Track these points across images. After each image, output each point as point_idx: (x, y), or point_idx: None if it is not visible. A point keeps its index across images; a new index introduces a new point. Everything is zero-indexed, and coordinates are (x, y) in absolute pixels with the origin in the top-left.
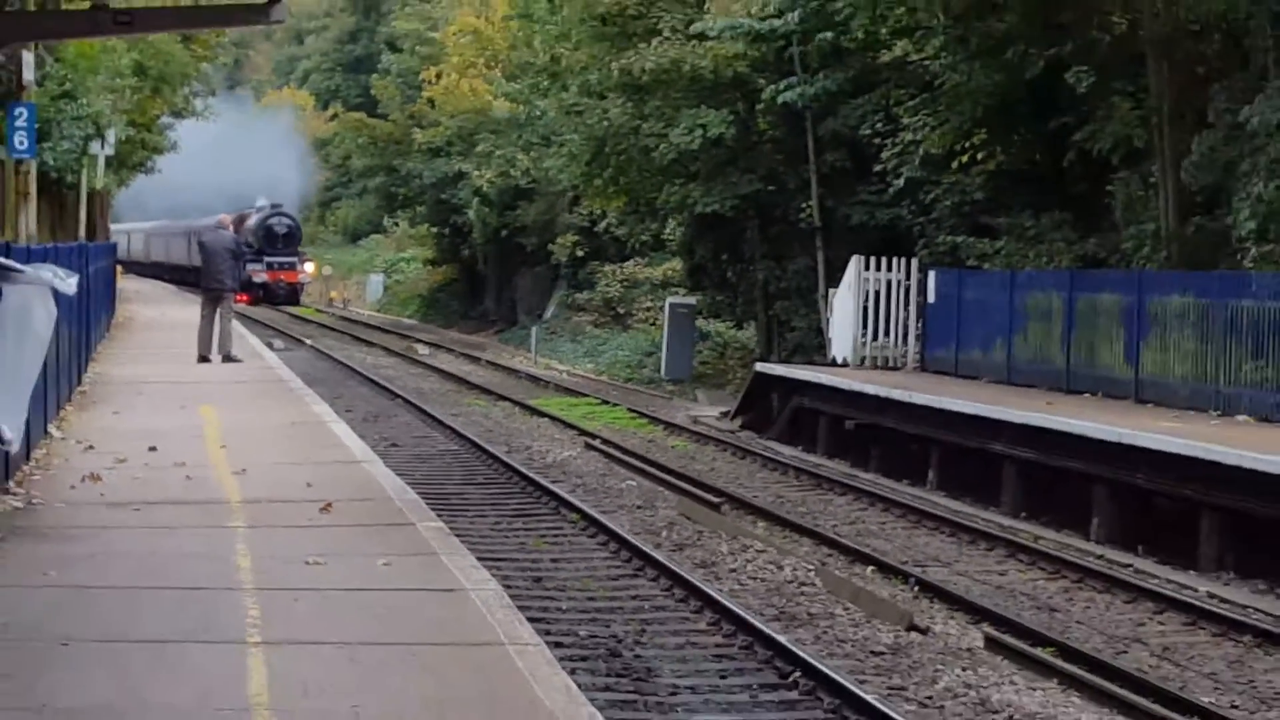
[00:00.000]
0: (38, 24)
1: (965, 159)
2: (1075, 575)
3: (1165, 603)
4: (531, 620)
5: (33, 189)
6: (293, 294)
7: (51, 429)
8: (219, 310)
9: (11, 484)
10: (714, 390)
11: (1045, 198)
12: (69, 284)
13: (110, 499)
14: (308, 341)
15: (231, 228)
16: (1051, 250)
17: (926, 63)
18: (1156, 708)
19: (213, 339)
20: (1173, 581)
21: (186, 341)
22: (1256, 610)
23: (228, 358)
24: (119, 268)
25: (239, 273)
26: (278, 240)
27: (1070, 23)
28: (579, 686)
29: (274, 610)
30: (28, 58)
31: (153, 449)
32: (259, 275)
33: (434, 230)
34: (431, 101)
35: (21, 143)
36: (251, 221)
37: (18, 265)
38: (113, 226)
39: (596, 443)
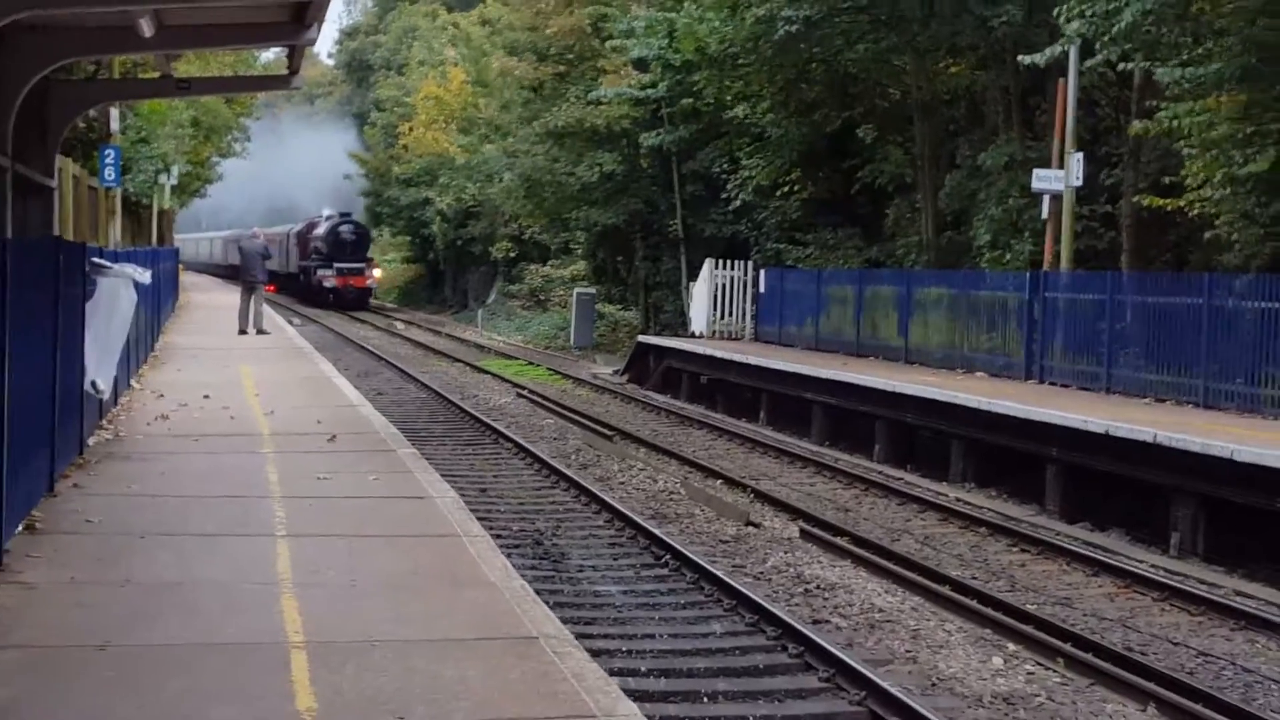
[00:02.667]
0: (121, 89)
1: (785, 189)
2: (863, 485)
3: (926, 505)
4: (479, 518)
5: (118, 209)
6: (362, 298)
7: (133, 382)
8: (253, 296)
9: (104, 422)
10: (608, 355)
11: (841, 217)
12: (144, 276)
13: (175, 432)
14: (317, 320)
15: (262, 237)
16: (846, 255)
17: (758, 120)
18: (919, 578)
19: (249, 317)
20: (931, 490)
21: (230, 320)
22: (989, 509)
23: (260, 331)
24: (181, 267)
25: (266, 270)
26: (346, 247)
27: (859, 92)
28: (513, 565)
29: (294, 512)
30: (114, 113)
31: (206, 396)
32: (328, 280)
33: (408, 239)
34: (405, 147)
35: (110, 175)
36: (320, 230)
37: (108, 263)
38: (177, 236)
39: (525, 392)
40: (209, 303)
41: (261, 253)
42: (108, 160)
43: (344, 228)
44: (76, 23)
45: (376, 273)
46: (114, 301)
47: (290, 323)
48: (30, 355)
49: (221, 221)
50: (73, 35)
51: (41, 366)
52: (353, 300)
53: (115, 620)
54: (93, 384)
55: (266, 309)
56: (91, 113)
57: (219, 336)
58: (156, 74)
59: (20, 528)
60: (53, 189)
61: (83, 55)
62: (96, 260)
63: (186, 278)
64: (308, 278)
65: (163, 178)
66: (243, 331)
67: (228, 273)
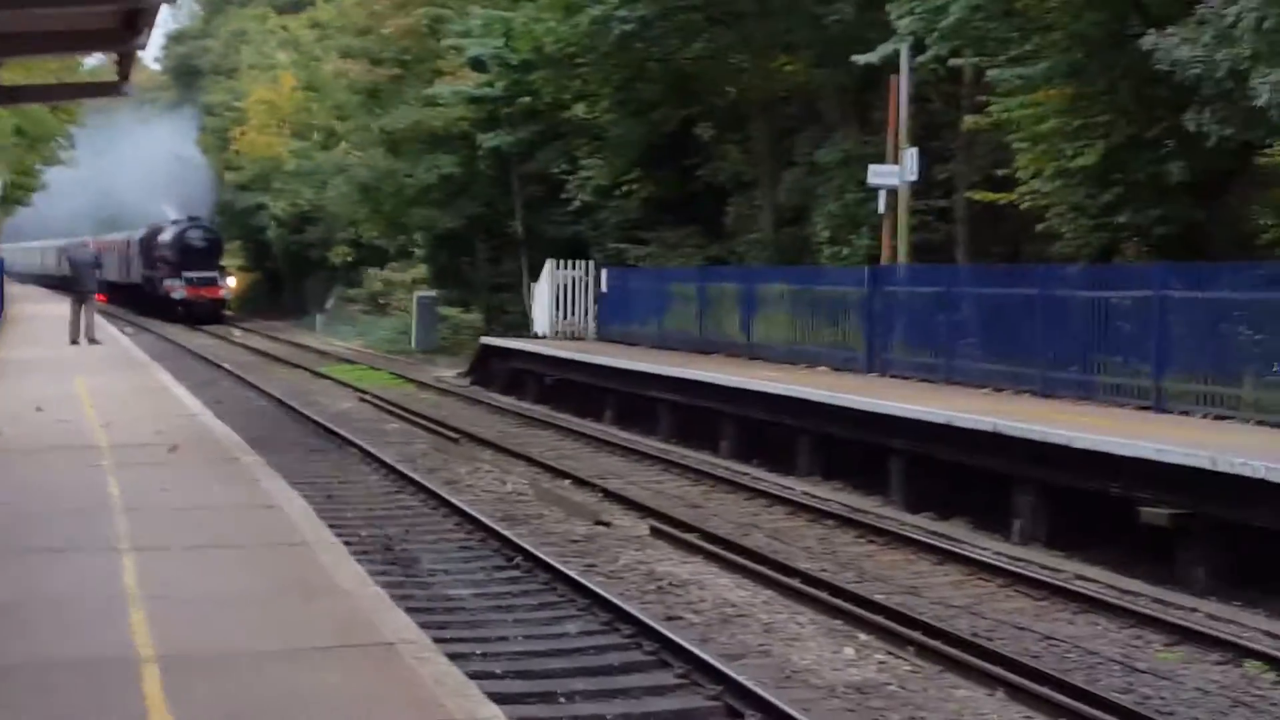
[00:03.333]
0: None
1: (625, 189)
2: (711, 482)
3: (774, 499)
4: (329, 526)
5: None
6: (215, 310)
7: None
8: (84, 306)
9: None
10: (452, 357)
11: (681, 215)
12: None
13: (8, 447)
14: (150, 330)
15: (93, 245)
16: (687, 253)
17: (596, 119)
18: (770, 572)
19: (81, 327)
20: (779, 484)
21: (61, 330)
22: (836, 502)
23: (93, 341)
24: (4, 276)
25: (96, 279)
26: (196, 255)
27: (697, 91)
28: (366, 572)
29: (138, 525)
30: None
31: (39, 409)
32: (177, 291)
33: (244, 245)
34: (238, 152)
35: None
36: (166, 236)
37: None
38: (2, 246)
39: (368, 397)
40: (39, 314)
41: (92, 262)
42: None
43: (193, 233)
44: None
45: (230, 282)
46: None
47: (124, 332)
48: None
49: (51, 230)
50: None
51: None
52: (205, 313)
53: None
54: None
55: (99, 318)
56: None
57: (50, 348)
58: None
59: None
60: None
61: None
62: None
63: (14, 289)
64: (154, 288)
65: None
66: (74, 342)
67: (58, 283)
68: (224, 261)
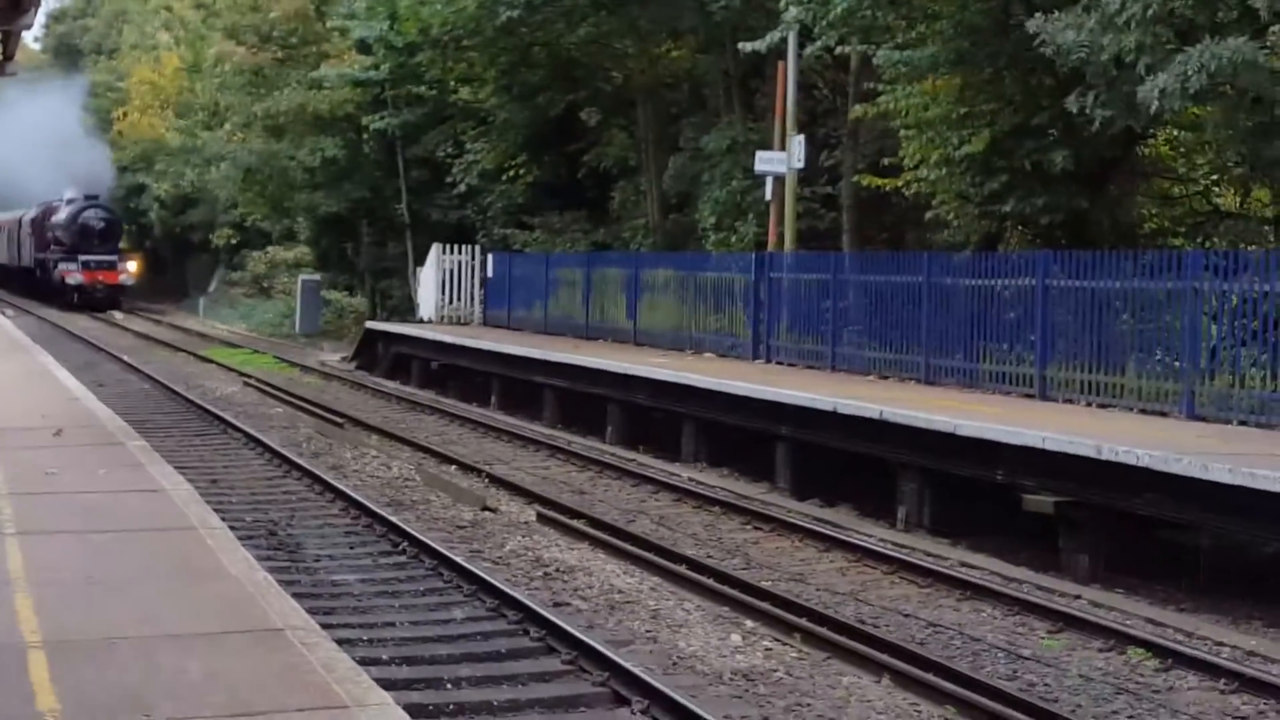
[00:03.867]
0: None
1: (511, 174)
2: (597, 468)
3: (660, 485)
4: (215, 511)
5: None
6: (113, 297)
7: None
8: None
9: None
10: (336, 342)
11: (567, 201)
12: None
13: None
14: (32, 312)
15: None
16: (573, 239)
17: (482, 103)
18: (656, 558)
19: None
20: (664, 470)
21: None
22: (722, 488)
23: None
24: None
25: None
26: (94, 236)
27: (582, 76)
28: (253, 558)
29: (23, 509)
30: None
31: None
32: (73, 276)
33: (125, 227)
34: (120, 133)
35: None
36: (60, 215)
37: None
38: None
39: (252, 381)
40: None
41: None
42: None
43: (90, 213)
44: None
45: (131, 266)
46: None
47: (3, 314)
48: None
49: None
50: None
51: None
52: (103, 299)
53: None
54: None
55: None
56: None
57: None
58: None
59: None
60: None
61: None
62: None
63: None
64: (46, 273)
65: None
66: None
67: None
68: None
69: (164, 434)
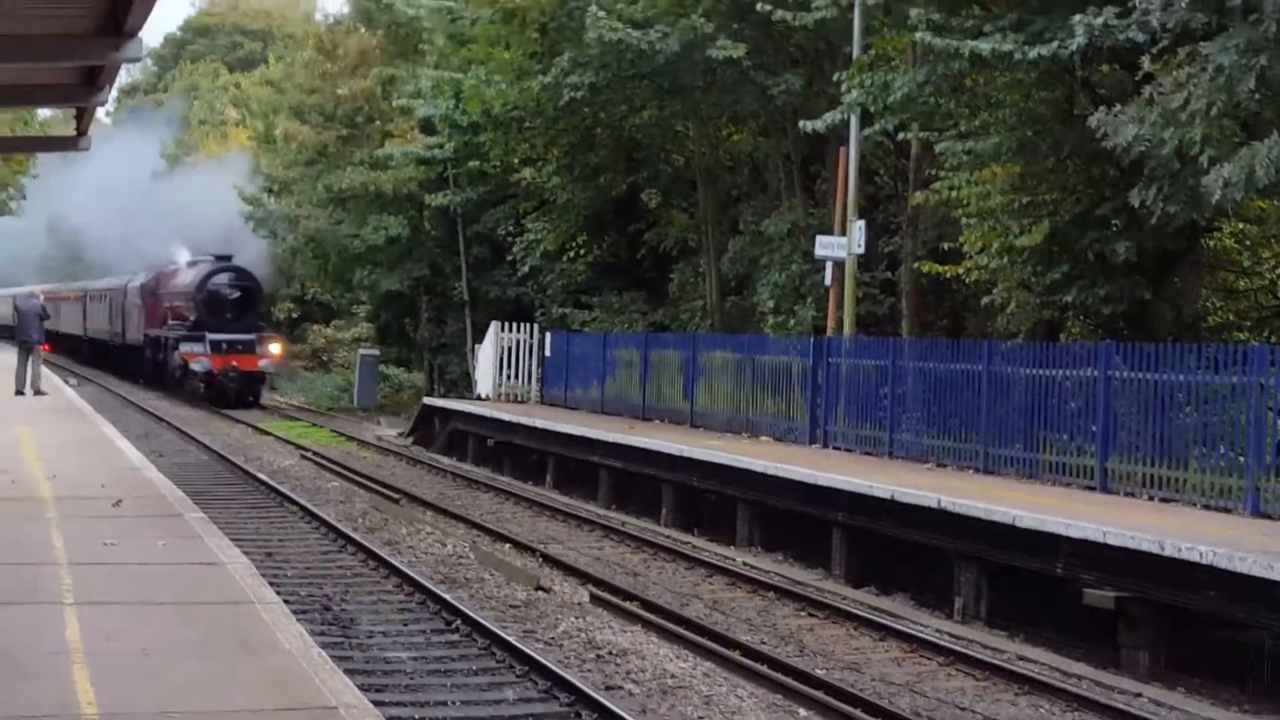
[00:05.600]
0: None
1: (571, 253)
2: (651, 550)
3: (714, 569)
4: (270, 584)
5: None
6: (251, 388)
7: None
8: (30, 357)
9: None
10: (393, 417)
11: (626, 281)
12: None
13: None
14: (95, 380)
15: (41, 297)
16: (631, 319)
17: (544, 184)
18: (710, 643)
19: (27, 378)
20: (719, 554)
21: (6, 381)
22: (777, 574)
23: (38, 391)
24: None
25: (43, 329)
26: (227, 308)
27: (644, 158)
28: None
29: (82, 579)
30: None
31: None
32: (199, 361)
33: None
34: None
35: None
36: (183, 281)
37: None
38: None
39: (309, 454)
40: None
41: (39, 313)
42: None
43: (221, 278)
44: None
45: (275, 349)
46: None
47: (67, 382)
48: None
49: (21, 276)
50: None
51: None
52: (237, 392)
53: None
54: None
55: (44, 368)
56: None
57: None
58: None
59: None
60: None
61: None
62: None
63: None
64: (160, 353)
65: None
66: (19, 393)
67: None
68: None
69: (221, 505)
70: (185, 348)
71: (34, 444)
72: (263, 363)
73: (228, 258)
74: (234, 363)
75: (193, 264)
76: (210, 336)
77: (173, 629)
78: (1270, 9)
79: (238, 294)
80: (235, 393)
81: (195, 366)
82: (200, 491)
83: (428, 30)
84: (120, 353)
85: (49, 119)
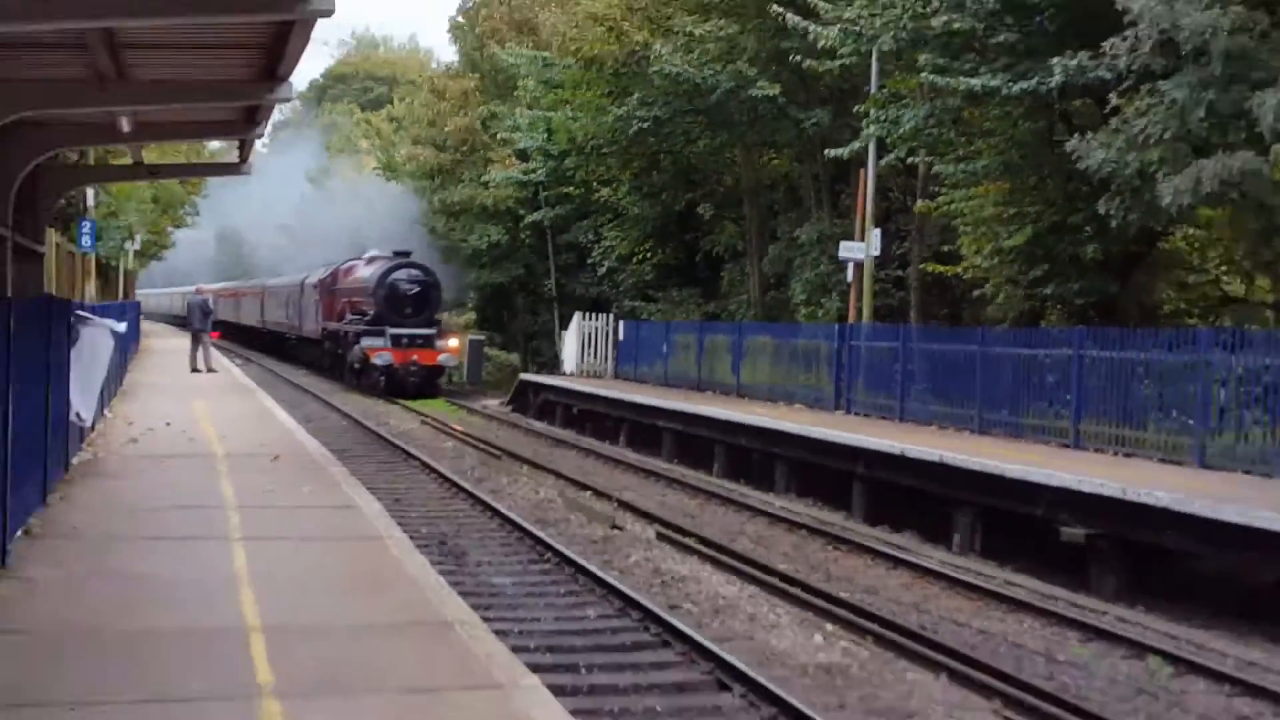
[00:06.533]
0: (100, 173)
1: (639, 257)
2: (705, 496)
3: (757, 512)
4: (398, 524)
5: (92, 270)
6: (430, 381)
7: (107, 412)
8: (201, 341)
9: (85, 445)
10: (495, 390)
11: (684, 279)
12: (121, 327)
13: (144, 453)
14: (255, 361)
15: (209, 294)
16: (689, 310)
17: (618, 200)
18: (754, 571)
19: (199, 359)
20: (761, 499)
21: (183, 361)
22: (808, 515)
23: (209, 369)
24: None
25: (207, 320)
26: (405, 304)
27: (699, 179)
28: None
29: (247, 520)
30: (89, 192)
31: (168, 424)
32: (380, 355)
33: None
34: None
35: (86, 243)
36: (362, 276)
37: (90, 315)
38: (138, 291)
39: (428, 420)
40: (165, 348)
41: (202, 307)
42: (84, 231)
43: (401, 274)
44: (68, 119)
45: (453, 343)
46: (94, 347)
47: (234, 363)
48: (30, 393)
49: (177, 279)
50: (65, 130)
51: (38, 402)
52: (417, 386)
53: (103, 610)
54: (77, 414)
55: (215, 351)
56: (71, 191)
57: (175, 375)
58: (128, 160)
59: (20, 533)
60: (42, 254)
61: (72, 145)
62: (80, 313)
63: (144, 325)
64: (340, 347)
65: (128, 245)
66: (194, 370)
67: (181, 322)
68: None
69: (357, 461)
70: (367, 342)
71: (207, 412)
72: (442, 357)
73: (407, 254)
74: (414, 357)
75: (371, 260)
76: (390, 331)
77: (319, 559)
78: (1216, 53)
79: (417, 289)
80: (415, 386)
81: (377, 360)
82: (340, 450)
83: (522, 76)
84: (296, 344)
85: (217, 149)
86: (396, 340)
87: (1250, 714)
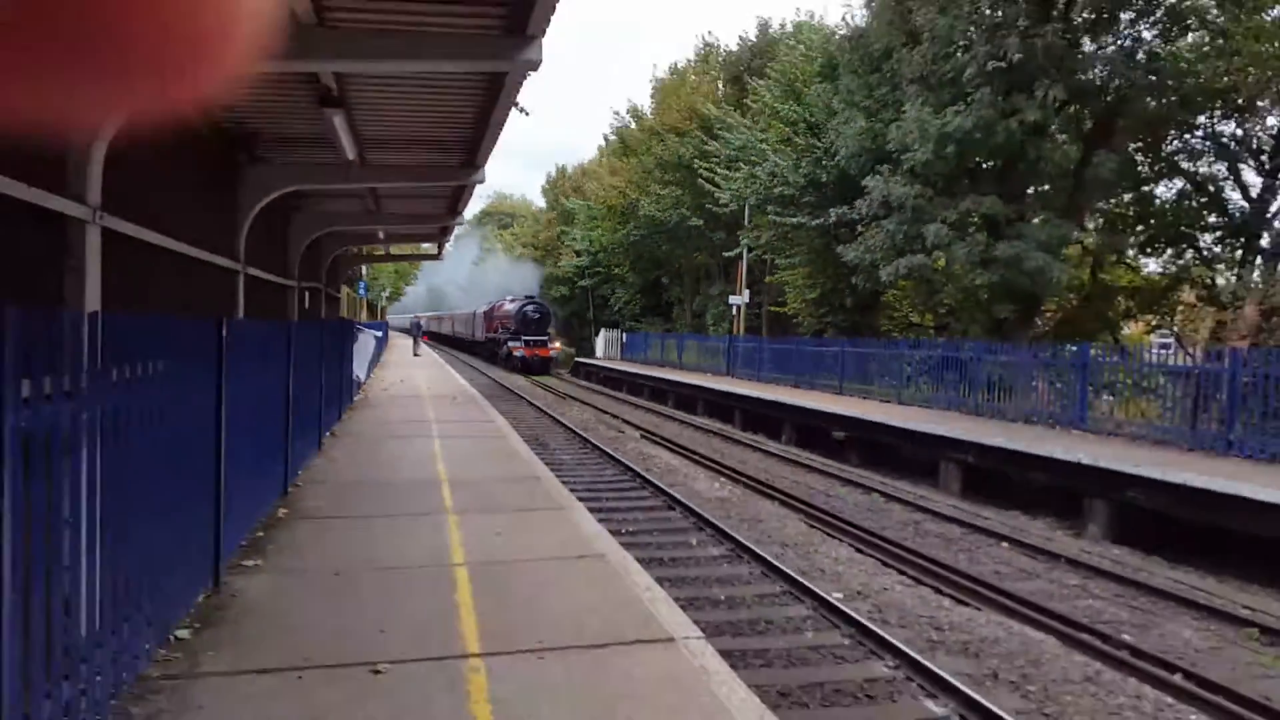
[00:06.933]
0: (366, 258)
1: (633, 303)
2: (663, 418)
3: (690, 425)
4: (513, 429)
5: (364, 306)
6: (544, 366)
7: (371, 378)
8: (415, 340)
9: (359, 392)
10: (561, 368)
11: (655, 313)
12: (378, 334)
13: (389, 396)
14: (449, 353)
15: (421, 318)
16: (657, 328)
17: (625, 275)
18: (687, 452)
19: (414, 350)
20: (691, 419)
21: (407, 353)
22: (715, 427)
23: (417, 355)
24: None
25: (419, 329)
26: (531, 324)
27: (664, 262)
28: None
29: (440, 425)
30: (363, 268)
31: (401, 381)
32: (518, 351)
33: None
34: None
35: (360, 291)
36: (509, 308)
37: (364, 327)
38: (389, 316)
39: (533, 381)
40: (401, 345)
41: (416, 324)
42: (361, 286)
43: (529, 308)
44: (350, 232)
45: (556, 345)
46: (366, 343)
47: (436, 354)
48: (338, 364)
49: (415, 309)
50: (350, 236)
51: (340, 369)
52: (537, 368)
53: (368, 470)
54: (357, 376)
55: (423, 346)
56: (354, 267)
57: (403, 362)
58: (382, 252)
59: (328, 434)
60: (339, 298)
61: (354, 245)
62: (358, 327)
63: (391, 335)
64: (492, 345)
65: (383, 294)
66: (414, 355)
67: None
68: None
69: (496, 399)
70: (510, 344)
71: (421, 377)
72: (551, 352)
73: (533, 297)
74: (536, 352)
75: (513, 300)
76: (523, 338)
77: (474, 445)
78: (908, 208)
79: (538, 315)
80: (538, 367)
81: (516, 354)
82: (488, 394)
83: (577, 213)
84: (469, 345)
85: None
86: (526, 343)
87: (919, 519)
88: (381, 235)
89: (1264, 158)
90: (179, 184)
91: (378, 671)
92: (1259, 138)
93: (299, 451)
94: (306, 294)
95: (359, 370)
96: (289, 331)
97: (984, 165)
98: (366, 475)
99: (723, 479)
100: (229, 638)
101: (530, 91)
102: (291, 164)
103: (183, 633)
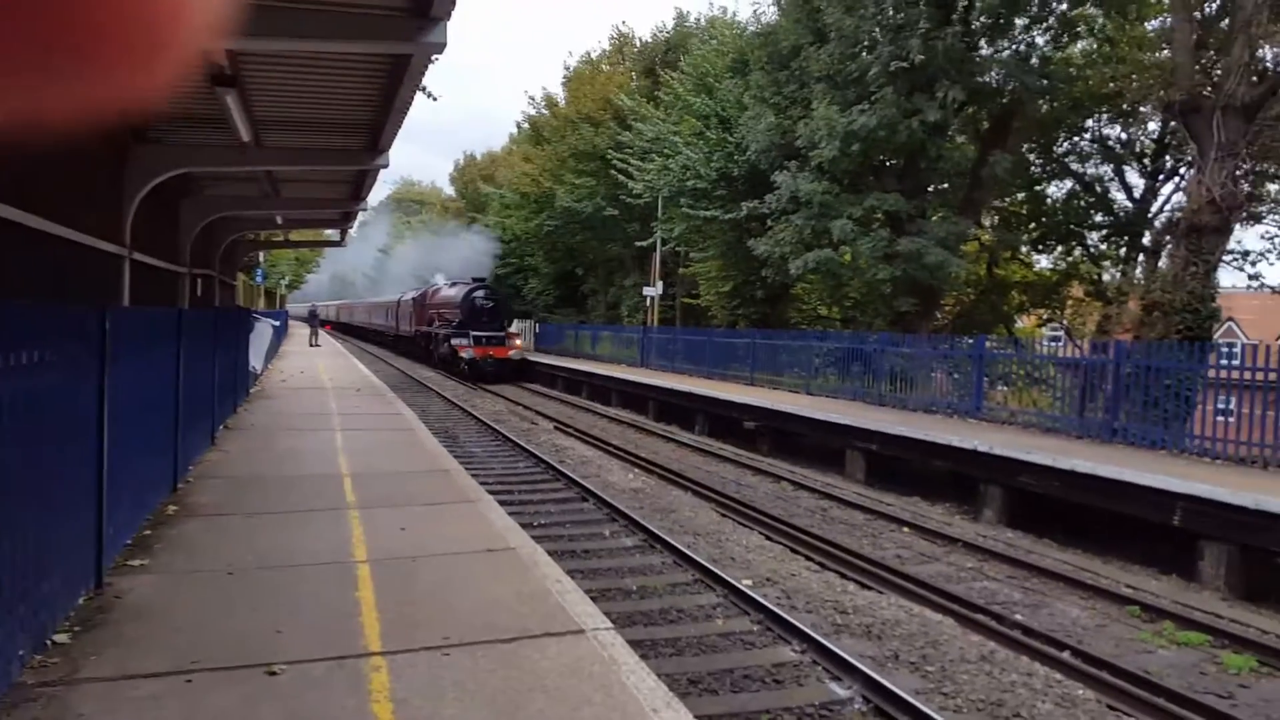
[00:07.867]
0: (265, 244)
1: (547, 293)
2: (577, 409)
3: (603, 416)
4: (421, 421)
5: (261, 294)
6: (502, 370)
7: (269, 368)
8: (314, 329)
9: (255, 384)
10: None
11: (569, 304)
12: (276, 323)
13: (288, 388)
14: (355, 343)
15: (318, 307)
16: (570, 318)
17: (538, 265)
18: (600, 443)
19: (311, 339)
20: (605, 410)
21: (304, 341)
22: (628, 418)
23: (316, 345)
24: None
25: (317, 319)
26: (482, 315)
27: (578, 253)
28: (442, 446)
29: (343, 418)
30: (260, 254)
31: (301, 372)
32: (466, 350)
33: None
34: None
35: (257, 279)
36: (449, 293)
37: (260, 316)
38: (289, 305)
39: (441, 373)
40: (299, 336)
41: (314, 313)
42: (258, 274)
43: (479, 294)
44: (247, 217)
45: (518, 342)
46: (263, 332)
47: (331, 339)
48: (233, 354)
49: (315, 298)
50: (246, 221)
51: (235, 359)
52: (491, 373)
53: (266, 466)
54: (253, 367)
55: (322, 334)
56: (250, 253)
57: (302, 348)
58: (282, 237)
59: (222, 427)
60: (234, 285)
61: (250, 230)
62: (255, 315)
63: (290, 323)
64: (430, 343)
65: (281, 281)
66: (311, 345)
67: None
68: None
69: (403, 391)
70: (456, 340)
71: (324, 367)
72: (511, 353)
73: (483, 279)
74: (489, 352)
75: (453, 284)
76: (473, 333)
77: (378, 438)
78: (815, 203)
79: (491, 304)
80: (492, 374)
81: (463, 355)
82: (394, 385)
83: (490, 201)
84: (392, 339)
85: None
86: (477, 340)
87: (826, 506)
88: (280, 220)
89: (1146, 160)
90: (56, 163)
91: (274, 673)
92: (1142, 141)
93: (190, 445)
94: (199, 281)
95: (255, 361)
96: (179, 319)
97: (888, 163)
98: (263, 470)
99: (636, 470)
100: (112, 641)
101: (437, 74)
102: (182, 145)
103: (61, 637)
